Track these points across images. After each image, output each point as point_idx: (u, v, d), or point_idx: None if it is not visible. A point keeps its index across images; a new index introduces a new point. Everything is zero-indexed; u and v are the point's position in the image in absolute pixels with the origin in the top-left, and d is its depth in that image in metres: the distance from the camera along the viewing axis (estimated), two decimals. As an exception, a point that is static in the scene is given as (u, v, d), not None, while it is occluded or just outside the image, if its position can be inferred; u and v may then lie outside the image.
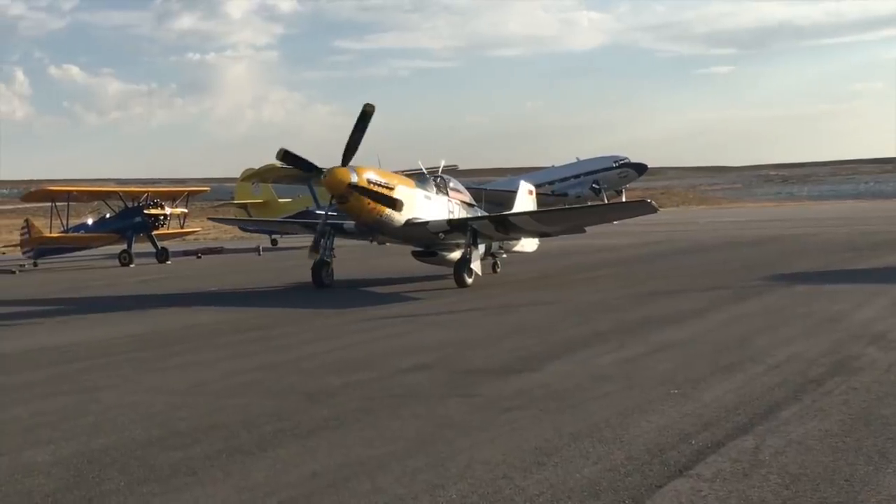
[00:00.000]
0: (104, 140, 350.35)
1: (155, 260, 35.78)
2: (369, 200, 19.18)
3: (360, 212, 19.56)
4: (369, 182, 19.15)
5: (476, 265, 20.09)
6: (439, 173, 22.57)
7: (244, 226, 40.83)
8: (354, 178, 18.88)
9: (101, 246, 38.33)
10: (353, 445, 6.91)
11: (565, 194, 61.53)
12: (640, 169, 66.16)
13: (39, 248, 36.61)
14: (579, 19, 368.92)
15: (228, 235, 58.75)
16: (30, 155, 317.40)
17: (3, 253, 45.96)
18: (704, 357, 10.03)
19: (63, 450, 7.11)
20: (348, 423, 7.62)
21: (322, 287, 20.67)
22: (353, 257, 29.89)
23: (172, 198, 39.54)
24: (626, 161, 64.74)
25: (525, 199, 25.42)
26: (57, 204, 36.93)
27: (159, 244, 36.63)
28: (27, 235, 36.96)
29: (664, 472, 5.94)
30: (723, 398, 7.93)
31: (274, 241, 44.61)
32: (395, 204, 19.25)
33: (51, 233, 36.68)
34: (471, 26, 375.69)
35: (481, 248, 21.33)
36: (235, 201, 45.52)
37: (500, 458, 6.37)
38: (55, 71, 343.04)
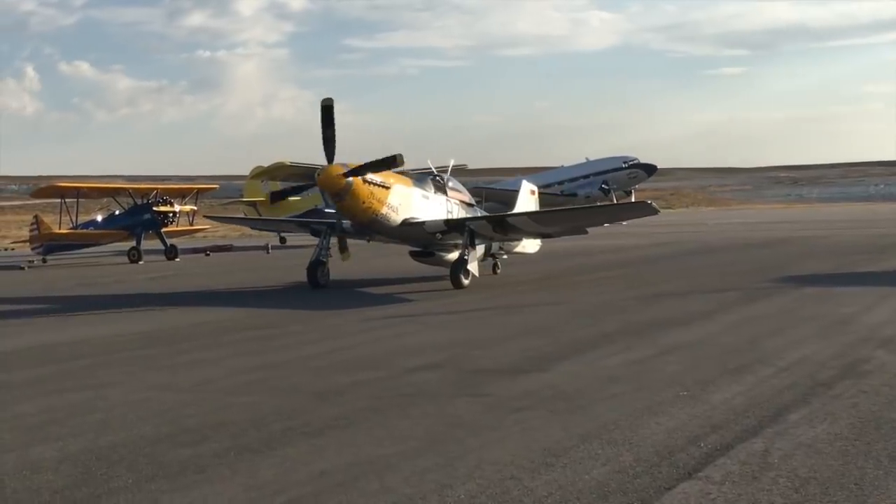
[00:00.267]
0: (114, 137, 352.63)
1: (164, 257, 35.89)
2: (365, 199, 18.87)
3: (356, 211, 19.20)
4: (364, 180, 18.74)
5: (473, 266, 19.72)
6: (436, 172, 22.12)
7: (253, 225, 40.84)
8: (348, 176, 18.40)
9: (110, 243, 38.44)
10: (362, 444, 6.90)
11: (575, 194, 61.55)
12: (650, 170, 66.14)
13: (48, 244, 36.75)
14: (590, 19, 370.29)
15: (237, 233, 58.84)
16: (39, 151, 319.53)
17: (13, 249, 46.14)
18: (713, 359, 9.99)
19: (71, 446, 7.11)
20: (357, 422, 7.61)
21: (318, 287, 20.51)
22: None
23: (182, 195, 39.64)
24: (635, 161, 64.74)
25: (526, 200, 24.80)
26: (66, 200, 37.12)
27: (168, 241, 36.72)
28: (36, 232, 37.08)
29: (673, 474, 5.92)
30: (732, 401, 7.90)
31: (283, 240, 44.69)
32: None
33: (60, 229, 36.83)
34: (481, 26, 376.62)
35: (480, 249, 21.04)
36: (244, 199, 45.54)
37: (509, 458, 6.35)
38: (65, 67, 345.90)
